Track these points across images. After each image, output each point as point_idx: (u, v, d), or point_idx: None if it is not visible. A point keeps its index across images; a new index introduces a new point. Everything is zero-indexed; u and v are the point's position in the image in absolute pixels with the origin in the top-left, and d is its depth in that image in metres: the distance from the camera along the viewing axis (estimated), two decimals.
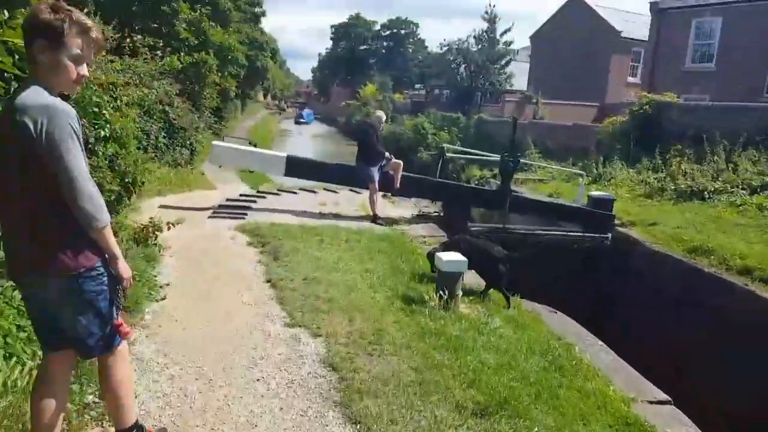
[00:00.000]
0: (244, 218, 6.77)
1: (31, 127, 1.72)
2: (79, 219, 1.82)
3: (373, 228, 6.85)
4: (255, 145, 29.94)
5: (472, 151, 13.00)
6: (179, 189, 8.70)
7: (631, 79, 30.07)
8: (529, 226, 8.28)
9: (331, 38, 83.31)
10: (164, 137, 10.23)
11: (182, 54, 12.40)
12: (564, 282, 8.05)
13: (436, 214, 8.18)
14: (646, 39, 29.66)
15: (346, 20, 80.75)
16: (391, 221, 7.66)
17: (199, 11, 13.25)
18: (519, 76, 40.15)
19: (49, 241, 1.83)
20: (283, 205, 7.81)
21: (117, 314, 2.02)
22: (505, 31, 38.46)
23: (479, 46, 38.16)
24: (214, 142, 6.97)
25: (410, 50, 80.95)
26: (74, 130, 1.79)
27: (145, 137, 9.23)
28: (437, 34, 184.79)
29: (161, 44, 12.44)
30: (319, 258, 4.98)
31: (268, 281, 4.41)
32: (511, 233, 7.90)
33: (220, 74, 13.40)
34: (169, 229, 5.07)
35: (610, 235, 8.30)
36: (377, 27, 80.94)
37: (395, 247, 5.83)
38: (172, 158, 10.58)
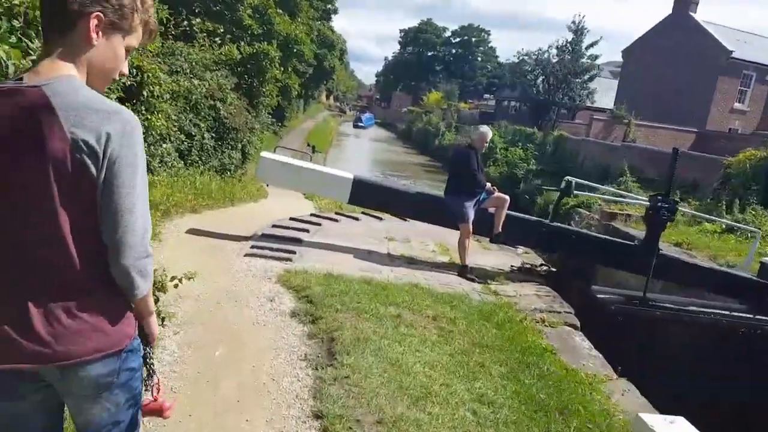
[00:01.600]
0: (291, 260, 4.94)
1: (92, 141, 1.10)
2: (116, 275, 1.21)
3: (468, 293, 4.85)
4: (314, 148, 28.66)
5: (603, 188, 10.57)
6: (220, 203, 7.03)
7: (737, 105, 26.64)
8: (676, 297, 6.05)
9: (399, 42, 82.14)
10: (212, 138, 8.67)
11: (243, 43, 10.89)
12: (720, 375, 5.79)
13: (544, 268, 6.09)
14: (761, 62, 26.21)
15: (417, 25, 79.18)
16: (484, 274, 5.66)
17: None
18: (601, 93, 37.14)
19: (98, 303, 1.20)
20: (342, 239, 5.96)
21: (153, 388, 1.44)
22: (592, 44, 35.45)
23: (560, 58, 35.42)
24: (263, 154, 5.23)
25: (480, 59, 78.50)
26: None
27: (186, 138, 7.67)
28: (509, 44, 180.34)
29: (221, 30, 11.00)
30: (399, 363, 3.03)
31: (317, 416, 2.52)
32: (653, 306, 5.71)
33: (282, 69, 11.84)
34: (176, 287, 3.29)
35: None
36: (448, 33, 79.01)
37: (511, 340, 3.80)
38: (219, 162, 9.00)
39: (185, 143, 7.69)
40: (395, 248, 6.08)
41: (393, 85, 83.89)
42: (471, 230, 5.47)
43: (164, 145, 6.13)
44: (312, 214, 7.01)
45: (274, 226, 5.97)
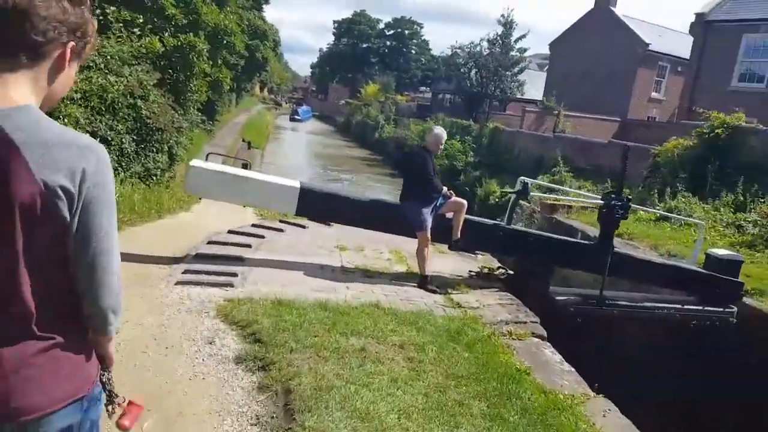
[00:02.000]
0: (232, 285, 4.34)
1: (66, 183, 1.02)
2: (90, 318, 1.17)
3: (431, 308, 4.48)
4: (249, 144, 27.42)
5: (558, 187, 10.40)
6: (145, 216, 6.25)
7: (654, 95, 28.09)
8: (629, 293, 5.97)
9: (333, 33, 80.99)
10: (133, 141, 7.80)
11: (166, 35, 9.94)
12: (673, 372, 5.80)
13: (502, 271, 5.84)
14: (674, 54, 27.70)
15: (350, 16, 78.35)
16: (444, 283, 5.32)
17: None
18: (529, 85, 38.17)
19: (65, 348, 1.12)
20: (290, 252, 5.41)
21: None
22: (520, 38, 36.40)
23: (491, 51, 36.03)
24: (192, 163, 4.53)
25: (413, 51, 78.81)
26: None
27: (101, 143, 6.81)
28: (441, 37, 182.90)
29: (140, 20, 9.99)
30: (370, 415, 2.56)
31: None
32: (610, 305, 5.59)
33: (211, 62, 10.98)
34: None
35: (735, 309, 6.04)
36: (381, 25, 78.70)
37: (485, 365, 3.45)
38: (142, 168, 8.13)
39: None
40: (349, 259, 5.61)
41: (329, 77, 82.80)
42: (429, 238, 5.11)
43: None
44: (253, 225, 6.40)
45: (210, 242, 5.33)
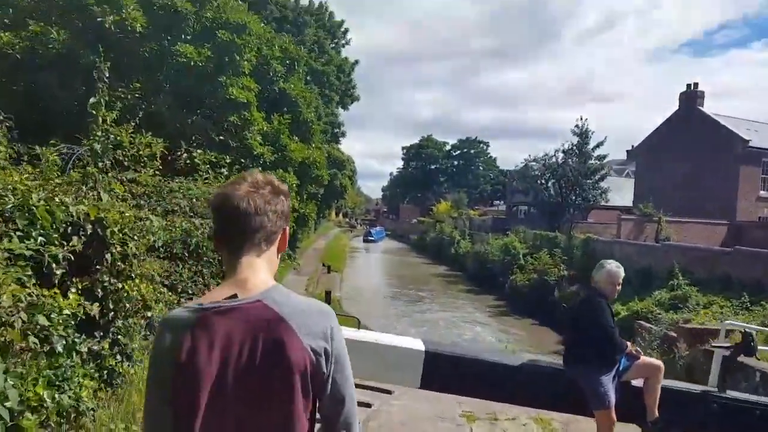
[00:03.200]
0: None
1: (322, 343, 1.25)
2: None
3: None
4: (329, 268, 27.13)
5: None
6: None
7: (763, 193, 25.53)
8: None
9: (402, 158, 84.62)
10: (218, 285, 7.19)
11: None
12: None
13: None
14: None
15: (418, 141, 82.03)
16: None
17: (277, 121, 10.92)
18: (613, 191, 36.58)
19: None
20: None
21: None
22: (598, 145, 35.55)
23: (566, 160, 35.32)
24: None
25: (481, 168, 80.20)
26: None
27: (182, 295, 6.19)
28: (505, 152, 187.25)
29: (227, 160, 10.03)
30: None
31: None
32: None
33: (299, 198, 10.76)
34: None
35: None
36: (448, 147, 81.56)
37: None
38: None
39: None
40: None
41: (400, 198, 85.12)
42: (614, 419, 3.68)
43: (150, 313, 4.61)
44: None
45: None
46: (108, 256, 3.52)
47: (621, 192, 37.72)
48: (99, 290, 3.51)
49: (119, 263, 3.68)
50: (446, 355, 3.76)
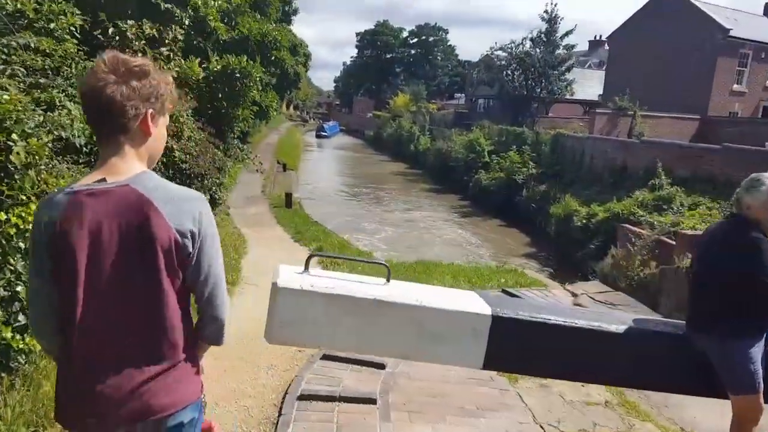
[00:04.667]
0: None
1: (190, 226, 1.36)
2: (205, 328, 1.50)
3: None
4: (285, 166, 25.31)
5: None
6: None
7: (736, 87, 24.98)
8: None
9: (356, 46, 79.55)
10: None
11: (210, 52, 7.81)
12: None
13: None
14: (756, 39, 24.65)
15: (373, 27, 76.69)
16: None
17: None
18: (580, 83, 35.51)
19: (184, 361, 1.43)
20: (446, 407, 3.06)
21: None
22: (567, 33, 33.76)
23: (537, 50, 33.46)
24: (281, 282, 2.24)
25: (440, 58, 76.64)
26: None
27: None
28: (466, 42, 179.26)
29: (171, 36, 7.89)
30: None
31: None
32: None
33: (260, 86, 8.82)
34: None
35: None
36: (405, 34, 76.86)
37: None
38: None
39: None
40: (543, 408, 3.21)
41: (354, 90, 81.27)
42: (762, 405, 2.63)
43: None
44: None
45: (303, 397, 2.98)
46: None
47: (584, 85, 36.68)
48: None
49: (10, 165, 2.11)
50: (525, 320, 2.42)
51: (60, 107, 4.68)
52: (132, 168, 1.35)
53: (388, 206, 22.84)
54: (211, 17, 8.09)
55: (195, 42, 8.06)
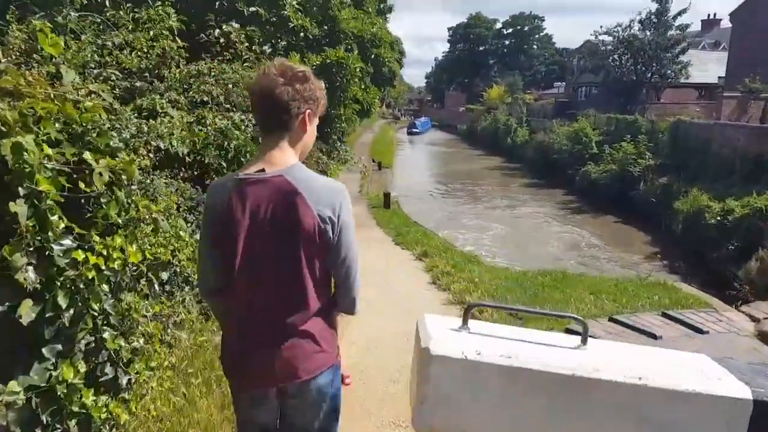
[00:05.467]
0: None
1: (330, 214, 1.58)
2: (342, 303, 1.74)
3: None
4: (380, 164, 25.04)
5: None
6: None
7: None
8: None
9: (449, 40, 78.18)
10: None
11: (306, 52, 7.54)
12: None
13: None
14: None
15: (465, 20, 74.90)
16: None
17: None
18: (694, 65, 31.81)
19: (322, 331, 1.67)
20: None
21: None
22: (680, 13, 30.44)
23: (647, 32, 30.50)
24: (428, 321, 1.76)
25: (535, 47, 73.18)
26: None
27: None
28: (562, 30, 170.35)
29: (275, 37, 7.72)
30: None
31: None
32: None
33: (362, 84, 8.45)
34: None
35: None
36: (499, 25, 74.26)
37: None
38: None
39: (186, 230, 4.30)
40: None
41: (445, 85, 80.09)
42: None
43: (163, 274, 2.78)
44: None
45: None
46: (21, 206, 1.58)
47: (699, 68, 32.80)
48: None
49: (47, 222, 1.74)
50: None
51: (162, 114, 4.50)
52: (287, 160, 1.59)
53: (489, 202, 21.83)
54: (292, 14, 7.79)
55: (279, 38, 7.80)
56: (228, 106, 5.81)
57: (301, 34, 8.29)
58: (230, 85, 6.06)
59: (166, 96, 5.16)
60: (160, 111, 4.73)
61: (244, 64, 7.10)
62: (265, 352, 1.58)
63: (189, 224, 3.75)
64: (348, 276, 1.66)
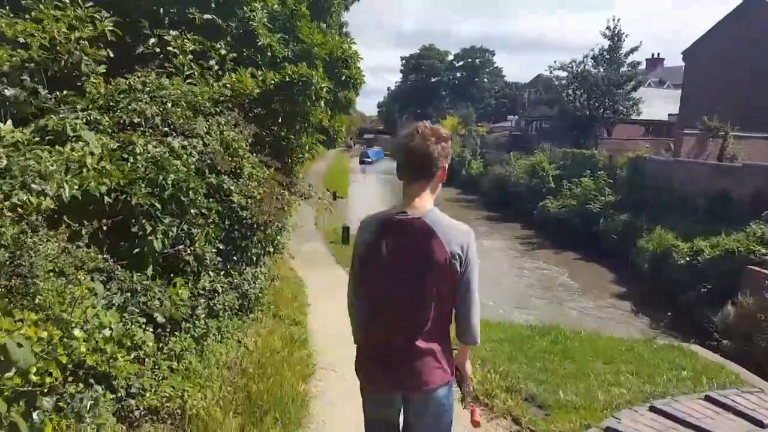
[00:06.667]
0: None
1: (459, 251, 1.93)
2: (465, 333, 2.07)
3: None
4: (335, 194, 24.07)
5: None
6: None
7: None
8: None
9: (401, 71, 79.03)
10: (216, 251, 4.09)
11: (263, 69, 6.46)
12: None
13: None
14: None
15: (418, 51, 76.05)
16: None
17: None
18: (645, 102, 32.87)
19: (441, 351, 2.00)
20: None
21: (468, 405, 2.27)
22: (632, 50, 31.51)
23: (600, 68, 31.33)
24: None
25: (486, 80, 74.99)
26: None
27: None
28: (510, 65, 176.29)
29: (221, 50, 6.59)
30: None
31: None
32: None
33: (327, 110, 7.40)
34: None
35: None
36: (450, 57, 75.77)
37: None
38: (237, 295, 4.43)
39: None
40: None
41: (398, 115, 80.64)
42: None
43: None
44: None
45: None
46: None
47: (647, 104, 33.94)
48: None
49: None
50: None
51: (73, 139, 3.29)
52: (426, 205, 1.98)
53: None
54: (261, 31, 6.72)
55: (246, 54, 6.69)
56: (166, 129, 4.62)
57: (268, 53, 7.22)
58: (170, 104, 4.89)
59: (83, 116, 3.94)
60: (71, 135, 3.51)
61: (187, 80, 5.93)
62: (397, 365, 1.95)
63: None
64: (470, 306, 2.00)
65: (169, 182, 3.65)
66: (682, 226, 14.98)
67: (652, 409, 3.76)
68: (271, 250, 5.16)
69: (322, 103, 6.43)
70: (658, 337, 5.88)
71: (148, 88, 4.87)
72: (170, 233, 3.41)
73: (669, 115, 33.99)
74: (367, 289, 1.97)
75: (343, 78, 7.83)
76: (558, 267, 16.84)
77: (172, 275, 3.69)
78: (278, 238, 5.47)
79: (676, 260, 13.19)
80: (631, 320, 12.05)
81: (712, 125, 18.64)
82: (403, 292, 1.90)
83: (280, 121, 6.07)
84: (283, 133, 6.06)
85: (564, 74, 32.39)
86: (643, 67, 37.45)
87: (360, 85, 8.25)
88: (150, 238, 3.29)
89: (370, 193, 37.12)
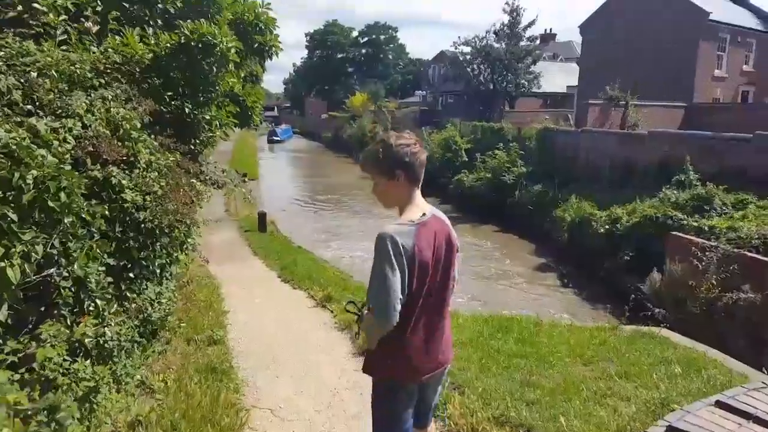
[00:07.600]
0: None
1: (457, 240, 2.29)
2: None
3: None
4: (245, 176, 22.54)
5: None
6: None
7: (717, 72, 24.11)
8: None
9: (306, 47, 76.42)
10: (105, 272, 3.05)
11: (153, 28, 5.23)
12: None
13: None
14: (734, 23, 23.84)
15: (323, 27, 73.79)
16: None
17: None
18: (546, 76, 34.14)
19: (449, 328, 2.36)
20: None
21: None
22: (529, 25, 32.39)
23: (502, 43, 31.93)
24: None
25: (391, 57, 74.67)
26: None
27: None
28: (413, 41, 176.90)
29: (99, 8, 5.28)
30: None
31: None
32: None
33: (239, 77, 6.30)
34: None
35: None
36: (355, 34, 74.43)
37: None
38: (136, 313, 3.42)
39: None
40: None
41: (305, 92, 78.28)
42: None
43: None
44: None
45: None
46: None
47: (545, 78, 35.26)
48: None
49: None
50: None
51: None
52: (425, 204, 2.23)
53: (369, 213, 20.37)
54: None
55: (131, 11, 5.42)
56: (30, 107, 3.44)
57: (159, 4, 5.92)
58: (35, 74, 3.67)
59: None
60: None
61: (61, 47, 4.64)
62: (438, 346, 2.22)
63: None
64: (457, 284, 2.39)
65: (30, 181, 2.57)
66: (594, 194, 15.43)
67: (671, 429, 3.28)
68: (180, 256, 4.14)
69: (231, 65, 5.35)
70: (612, 321, 5.62)
71: (2, 53, 3.62)
72: (33, 254, 2.37)
73: (567, 87, 35.52)
74: (419, 282, 2.07)
75: (256, 45, 6.73)
76: (480, 240, 16.85)
77: (42, 309, 2.64)
78: (188, 240, 4.45)
79: (595, 228, 13.48)
80: (562, 294, 12.16)
81: (614, 95, 19.43)
82: (442, 279, 2.16)
83: (181, 92, 4.94)
84: (187, 108, 4.92)
85: (468, 49, 32.76)
86: (538, 42, 38.84)
87: (276, 53, 7.18)
88: (1, 264, 2.24)
89: (282, 173, 35.54)
